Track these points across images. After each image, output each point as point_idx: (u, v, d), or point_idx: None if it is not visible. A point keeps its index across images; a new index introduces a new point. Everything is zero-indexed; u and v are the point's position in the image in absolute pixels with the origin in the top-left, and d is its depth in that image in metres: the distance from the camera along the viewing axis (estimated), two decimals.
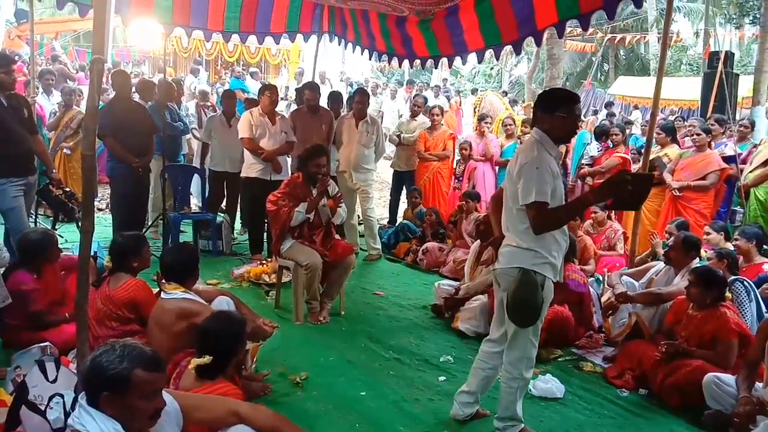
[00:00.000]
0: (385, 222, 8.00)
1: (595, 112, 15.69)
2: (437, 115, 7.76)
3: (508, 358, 3.15)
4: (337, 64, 21.03)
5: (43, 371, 2.76)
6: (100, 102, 2.87)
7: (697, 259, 4.35)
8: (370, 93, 12.53)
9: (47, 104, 7.55)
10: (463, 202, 6.56)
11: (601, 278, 5.22)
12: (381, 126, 7.02)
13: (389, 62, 7.72)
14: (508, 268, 3.07)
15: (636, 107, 18.33)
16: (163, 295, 3.37)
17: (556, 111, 2.97)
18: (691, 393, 3.61)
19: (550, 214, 2.89)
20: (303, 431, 2.53)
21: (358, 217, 7.05)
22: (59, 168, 6.96)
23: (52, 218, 5.59)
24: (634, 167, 6.92)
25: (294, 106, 9.16)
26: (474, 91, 18.49)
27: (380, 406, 3.53)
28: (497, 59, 6.75)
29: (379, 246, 6.90)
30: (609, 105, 14.72)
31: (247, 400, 3.05)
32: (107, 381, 1.85)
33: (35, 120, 5.30)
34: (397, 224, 7.38)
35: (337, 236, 5.15)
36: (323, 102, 7.23)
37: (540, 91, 16.66)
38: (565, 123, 2.96)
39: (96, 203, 7.85)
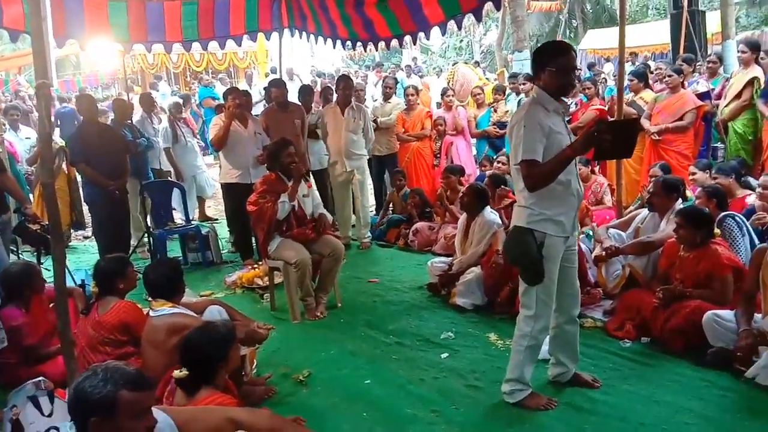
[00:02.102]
0: (373, 209, 7.95)
1: None
2: (412, 95, 7.70)
3: (520, 315, 3.20)
4: (306, 58, 20.87)
5: (38, 406, 2.73)
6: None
7: (680, 200, 4.33)
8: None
9: (16, 140, 7.45)
10: (445, 179, 6.53)
11: (591, 233, 5.20)
12: (367, 112, 6.96)
13: (354, 48, 7.66)
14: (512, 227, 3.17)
15: (607, 59, 18.30)
16: (151, 313, 3.33)
17: (546, 66, 3.00)
18: (693, 334, 3.62)
19: (537, 170, 2.91)
20: (306, 430, 2.50)
21: (352, 210, 7.01)
22: (37, 202, 6.87)
23: (35, 252, 5.52)
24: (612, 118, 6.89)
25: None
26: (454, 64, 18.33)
27: (386, 392, 3.52)
28: (459, 29, 6.68)
29: (370, 234, 6.88)
30: (591, 66, 14.55)
31: (253, 406, 3.05)
32: (94, 406, 1.81)
33: (6, 157, 5.23)
34: (386, 220, 7.29)
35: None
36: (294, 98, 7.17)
37: (510, 57, 16.53)
38: (556, 76, 2.98)
39: (83, 232, 7.81)
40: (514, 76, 8.92)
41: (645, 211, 4.59)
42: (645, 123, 6.42)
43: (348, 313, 4.82)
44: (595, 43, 20.02)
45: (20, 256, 5.81)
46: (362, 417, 3.29)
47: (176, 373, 2.59)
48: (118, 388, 1.83)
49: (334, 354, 4.09)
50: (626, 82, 6.45)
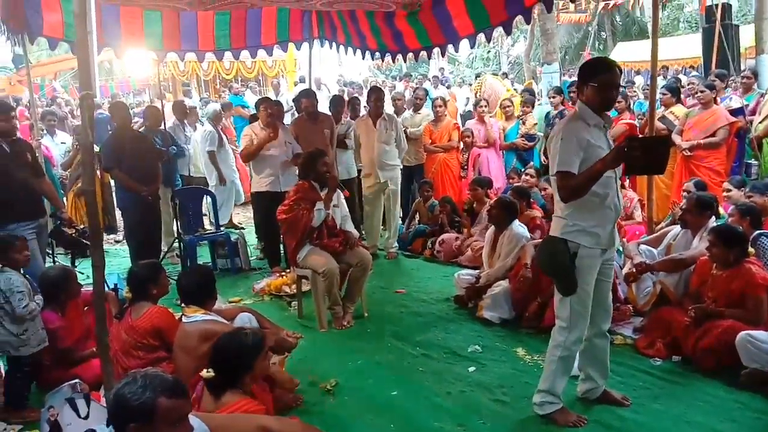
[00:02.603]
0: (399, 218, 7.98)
1: None
2: (440, 106, 7.72)
3: (555, 326, 3.23)
4: (333, 67, 21.00)
5: (75, 409, 2.79)
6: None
7: (713, 218, 4.27)
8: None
9: (52, 145, 7.63)
10: (473, 191, 6.53)
11: (621, 249, 5.15)
12: (400, 122, 6.99)
13: (382, 59, 7.71)
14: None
15: (637, 72, 18.13)
16: (184, 319, 3.38)
17: (588, 81, 3.05)
18: (726, 354, 3.56)
19: (571, 182, 2.95)
20: None
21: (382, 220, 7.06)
22: (71, 206, 7.03)
23: (70, 256, 5.64)
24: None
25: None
26: (478, 76, 18.30)
27: (413, 404, 3.53)
28: (488, 41, 6.70)
29: (397, 244, 6.90)
30: (631, 84, 13.98)
31: (280, 414, 3.08)
32: (133, 413, 1.86)
33: (41, 162, 5.36)
34: (411, 230, 7.31)
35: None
36: (325, 108, 7.23)
37: (539, 69, 16.44)
38: (597, 92, 3.02)
39: (114, 236, 7.95)
40: (527, 92, 8.93)
41: (677, 228, 4.54)
42: (676, 138, 6.36)
43: (375, 324, 4.84)
44: (624, 55, 19.80)
45: (55, 259, 5.94)
46: (389, 428, 3.30)
47: (204, 373, 2.65)
48: (157, 395, 1.88)
49: (360, 364, 4.11)
50: (657, 96, 6.40)
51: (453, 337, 4.49)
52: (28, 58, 6.34)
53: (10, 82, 14.66)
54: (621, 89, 8.23)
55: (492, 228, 5.17)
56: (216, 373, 2.64)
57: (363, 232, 7.00)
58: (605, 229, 3.07)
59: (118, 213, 7.43)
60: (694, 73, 10.16)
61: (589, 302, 3.13)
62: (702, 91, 6.32)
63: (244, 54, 7.62)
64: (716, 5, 10.35)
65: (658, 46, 5.03)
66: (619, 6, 22.30)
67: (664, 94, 6.74)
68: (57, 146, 7.74)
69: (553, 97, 7.80)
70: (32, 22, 5.61)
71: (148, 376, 1.92)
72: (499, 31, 6.08)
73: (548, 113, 7.86)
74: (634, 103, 8.96)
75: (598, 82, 3.00)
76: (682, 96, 7.14)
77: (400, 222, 7.73)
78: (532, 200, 6.00)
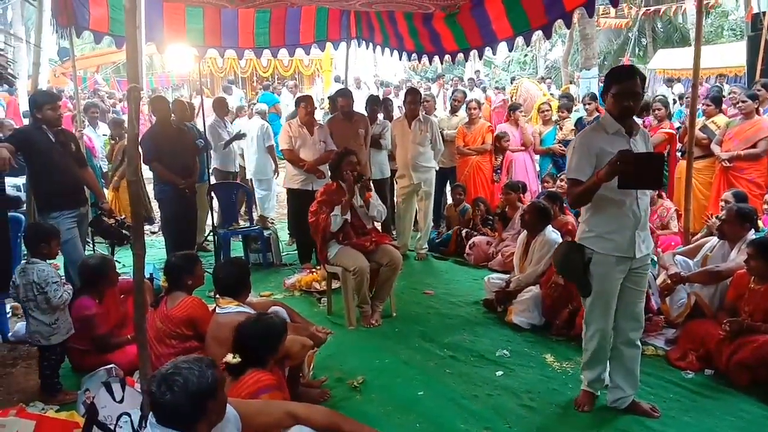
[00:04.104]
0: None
1: None
2: (474, 108, 7.68)
3: None
4: (369, 67, 21.08)
5: (110, 392, 2.88)
6: None
7: (752, 230, 4.19)
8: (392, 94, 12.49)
9: (94, 136, 7.82)
10: (506, 195, 6.50)
11: (655, 259, 5.07)
12: (435, 123, 6.99)
13: (419, 60, 7.72)
14: None
15: (678, 80, 17.78)
16: (218, 310, 3.45)
17: (609, 90, 3.10)
18: (761, 370, 3.50)
19: (574, 189, 3.08)
20: (360, 424, 2.57)
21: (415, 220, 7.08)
22: (111, 197, 7.20)
23: (109, 245, 5.78)
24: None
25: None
26: (513, 80, 18.17)
27: (439, 405, 3.54)
28: (527, 45, 6.66)
29: (427, 246, 6.92)
30: (681, 98, 13.22)
31: None
32: (208, 392, 2.02)
33: (84, 152, 5.51)
34: (443, 235, 7.30)
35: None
36: (361, 107, 7.27)
37: (577, 74, 16.27)
38: (615, 100, 3.06)
39: (150, 227, 8.12)
40: (565, 97, 8.85)
41: (714, 239, 4.46)
42: (715, 148, 6.25)
43: (402, 323, 4.86)
44: (665, 62, 19.43)
45: (95, 248, 6.08)
46: (415, 428, 3.32)
47: (230, 358, 2.71)
48: (212, 369, 2.06)
49: (388, 362, 4.13)
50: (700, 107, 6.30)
51: (481, 340, 4.49)
52: (74, 52, 6.52)
53: (54, 74, 15.06)
54: (662, 98, 8.15)
55: (524, 232, 5.15)
56: (241, 357, 2.72)
57: (394, 232, 7.02)
58: (623, 235, 3.09)
59: (154, 205, 7.57)
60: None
61: (605, 308, 3.19)
62: (744, 101, 6.19)
63: (282, 52, 7.72)
64: (763, 13, 10.08)
65: (700, 53, 4.95)
66: (661, 12, 21.93)
67: (708, 105, 6.64)
68: (99, 138, 7.93)
69: (588, 104, 7.72)
70: (79, 16, 5.76)
71: (193, 360, 2.07)
72: (537, 35, 6.06)
73: (580, 119, 7.78)
74: (675, 112, 8.81)
75: (616, 90, 3.03)
76: (723, 105, 6.99)
77: (432, 224, 7.73)
78: (565, 205, 5.96)
